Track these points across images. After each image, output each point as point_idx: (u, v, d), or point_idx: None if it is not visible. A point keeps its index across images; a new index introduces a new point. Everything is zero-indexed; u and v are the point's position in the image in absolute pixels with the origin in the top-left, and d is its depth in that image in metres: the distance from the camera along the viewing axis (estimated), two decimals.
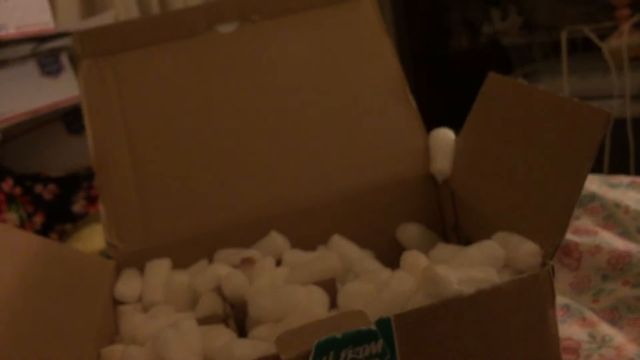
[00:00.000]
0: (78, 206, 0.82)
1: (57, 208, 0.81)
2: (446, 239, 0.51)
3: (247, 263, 0.45)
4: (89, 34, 0.53)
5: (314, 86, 0.53)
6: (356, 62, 0.54)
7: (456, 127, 0.50)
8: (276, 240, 0.48)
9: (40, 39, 0.76)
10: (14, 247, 0.38)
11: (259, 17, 0.54)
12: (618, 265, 0.50)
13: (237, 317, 0.42)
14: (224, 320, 0.42)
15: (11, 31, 0.72)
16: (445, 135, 0.51)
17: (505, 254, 0.35)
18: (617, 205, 0.58)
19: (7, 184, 0.78)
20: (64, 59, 0.83)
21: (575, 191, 0.32)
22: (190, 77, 0.53)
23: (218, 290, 0.44)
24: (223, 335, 0.38)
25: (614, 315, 0.46)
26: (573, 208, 0.32)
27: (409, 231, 0.50)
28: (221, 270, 0.44)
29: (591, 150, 0.32)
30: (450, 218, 0.49)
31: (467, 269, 0.33)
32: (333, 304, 0.40)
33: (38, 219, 0.79)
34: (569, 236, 0.55)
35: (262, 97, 0.52)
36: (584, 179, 0.32)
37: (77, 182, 0.84)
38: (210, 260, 0.48)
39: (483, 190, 0.43)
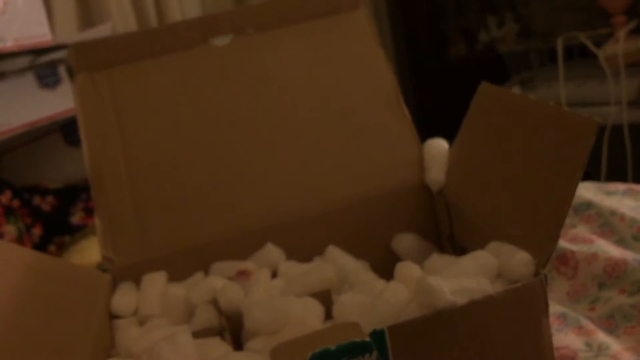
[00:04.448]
0: (76, 218, 0.82)
1: (55, 220, 0.81)
2: (441, 248, 0.51)
3: (242, 275, 0.45)
4: (84, 47, 0.53)
5: (308, 98, 0.53)
6: (350, 73, 0.54)
7: (455, 135, 0.50)
8: (272, 252, 0.48)
9: (38, 51, 0.77)
10: (7, 261, 0.38)
11: (253, 29, 0.54)
12: (614, 273, 0.50)
13: (233, 329, 0.42)
14: (219, 332, 0.42)
15: (9, 44, 0.72)
16: (439, 146, 0.51)
17: (498, 263, 0.35)
18: (612, 213, 0.58)
19: (6, 196, 0.78)
20: (62, 71, 0.83)
21: (567, 200, 0.32)
22: (186, 90, 0.53)
23: (214, 302, 0.44)
24: (218, 348, 0.38)
25: (610, 324, 0.46)
26: (565, 217, 0.32)
27: (405, 241, 0.50)
28: (217, 283, 0.44)
29: (582, 159, 0.32)
30: (445, 228, 0.49)
31: (461, 279, 0.33)
32: (329, 315, 0.40)
33: (36, 231, 0.79)
34: (566, 244, 0.55)
35: (257, 109, 0.52)
36: (575, 187, 0.32)
37: (76, 193, 0.84)
38: (206, 273, 0.48)
39: (476, 199, 0.43)
